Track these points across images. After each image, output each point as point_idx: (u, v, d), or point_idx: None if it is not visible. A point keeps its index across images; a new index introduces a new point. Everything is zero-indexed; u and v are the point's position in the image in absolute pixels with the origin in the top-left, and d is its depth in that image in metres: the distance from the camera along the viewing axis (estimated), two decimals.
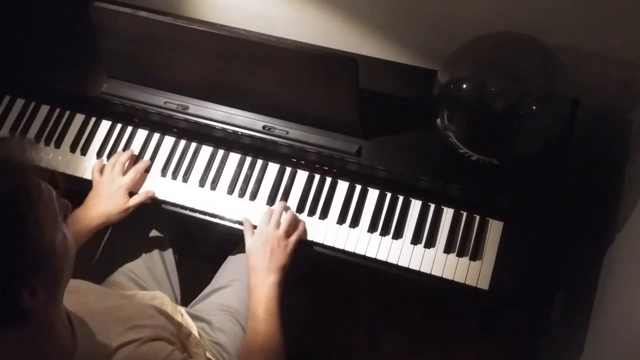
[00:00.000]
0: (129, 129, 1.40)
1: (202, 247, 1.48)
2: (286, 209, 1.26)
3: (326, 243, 1.26)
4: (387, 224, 1.26)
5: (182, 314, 1.21)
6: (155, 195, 1.30)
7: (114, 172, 1.28)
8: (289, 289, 1.19)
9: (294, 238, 1.21)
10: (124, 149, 1.37)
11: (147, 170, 1.34)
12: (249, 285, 1.16)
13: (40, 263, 0.71)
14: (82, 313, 0.88)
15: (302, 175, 1.32)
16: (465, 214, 1.26)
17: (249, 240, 1.21)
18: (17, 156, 0.70)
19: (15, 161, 0.70)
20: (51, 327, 0.78)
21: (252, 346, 1.09)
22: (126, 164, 1.31)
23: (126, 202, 1.26)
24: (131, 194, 1.29)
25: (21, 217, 0.68)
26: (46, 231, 0.71)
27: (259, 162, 1.34)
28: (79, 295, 0.93)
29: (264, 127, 1.29)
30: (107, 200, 1.24)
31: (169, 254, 1.38)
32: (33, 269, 0.70)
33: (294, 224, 1.24)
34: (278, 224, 1.21)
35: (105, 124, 1.41)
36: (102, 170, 1.31)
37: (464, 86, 1.14)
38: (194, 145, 1.37)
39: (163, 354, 0.88)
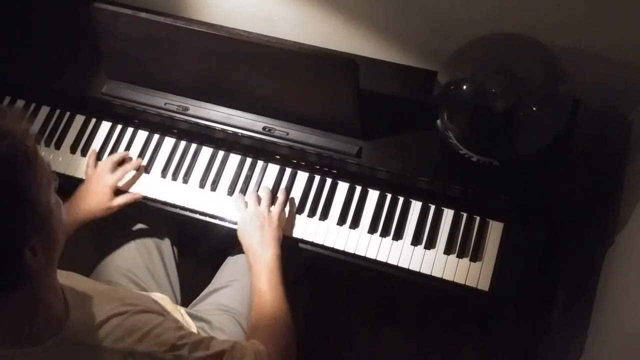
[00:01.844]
0: (129, 130, 1.40)
1: (202, 248, 1.48)
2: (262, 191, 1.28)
3: (326, 244, 1.26)
4: (387, 225, 1.26)
5: (182, 314, 1.21)
6: (142, 197, 1.31)
7: (103, 170, 1.30)
8: (289, 289, 1.19)
9: (276, 209, 1.23)
10: (125, 150, 1.37)
11: (138, 169, 1.34)
12: (248, 264, 1.17)
13: (39, 223, 0.74)
14: (77, 290, 0.90)
15: (302, 176, 1.32)
16: (465, 215, 1.26)
17: (238, 225, 1.23)
18: (13, 124, 0.74)
19: (11, 128, 0.73)
20: (44, 295, 0.80)
21: (257, 318, 1.09)
22: (116, 163, 1.32)
23: (110, 200, 1.27)
24: (120, 192, 1.30)
25: (21, 179, 0.72)
26: (42, 193, 0.75)
27: (259, 163, 1.34)
28: (72, 280, 0.95)
29: (264, 128, 1.29)
30: (91, 197, 1.26)
31: (169, 255, 1.38)
32: (33, 228, 0.73)
33: (272, 197, 1.26)
34: (256, 202, 1.23)
35: (105, 125, 1.41)
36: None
37: (464, 87, 1.14)
38: (194, 146, 1.37)
39: (156, 321, 0.89)
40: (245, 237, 1.20)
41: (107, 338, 0.83)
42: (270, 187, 1.31)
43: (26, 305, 0.78)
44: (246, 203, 1.25)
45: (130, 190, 1.33)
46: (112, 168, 1.31)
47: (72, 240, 1.24)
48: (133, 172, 1.34)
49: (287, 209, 1.28)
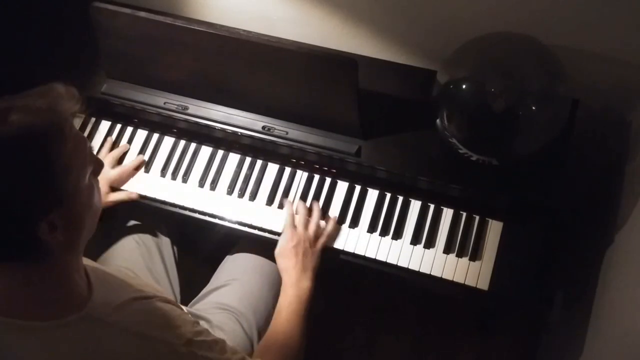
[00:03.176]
0: (129, 129, 1.40)
1: (202, 247, 1.48)
2: (311, 209, 1.26)
3: None
4: (386, 224, 1.26)
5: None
6: (139, 197, 1.31)
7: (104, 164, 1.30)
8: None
9: (323, 239, 1.22)
10: None
11: (137, 168, 1.34)
12: (282, 285, 1.17)
13: (62, 200, 0.75)
14: (99, 271, 0.92)
15: (301, 176, 1.32)
16: (464, 214, 1.26)
17: (280, 242, 1.21)
18: (61, 102, 0.77)
19: (55, 104, 0.76)
20: (68, 274, 0.82)
21: (271, 342, 1.09)
22: (117, 159, 1.33)
23: (106, 194, 1.28)
24: (115, 189, 1.31)
25: (49, 153, 0.74)
26: (72, 173, 0.76)
27: (259, 162, 1.34)
28: (92, 265, 0.96)
29: (263, 127, 1.29)
30: None
31: (168, 253, 1.38)
32: (54, 203, 0.75)
33: (320, 224, 1.24)
34: (306, 225, 1.22)
35: (104, 124, 1.41)
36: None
37: (464, 86, 1.14)
38: (193, 145, 1.37)
39: (176, 312, 0.91)
40: (286, 258, 1.18)
41: (126, 319, 0.85)
42: (270, 187, 1.31)
43: (49, 280, 0.80)
44: (293, 221, 1.22)
45: (127, 188, 1.33)
46: (113, 163, 1.32)
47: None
48: (132, 170, 1.34)
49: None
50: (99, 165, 0.84)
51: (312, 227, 1.22)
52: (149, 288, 0.98)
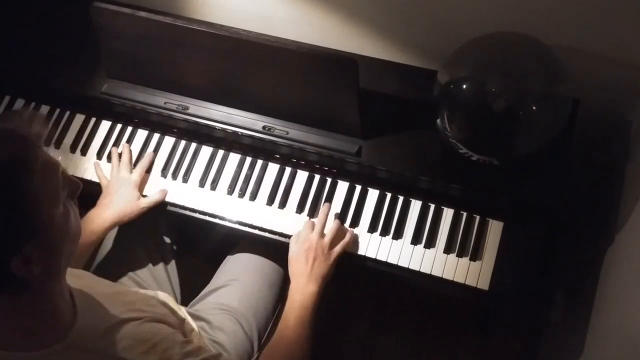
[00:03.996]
0: (129, 129, 1.40)
1: (202, 247, 1.48)
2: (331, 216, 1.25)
3: None
4: (387, 224, 1.26)
5: (184, 314, 1.21)
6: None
7: (122, 172, 1.30)
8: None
9: (338, 248, 1.19)
10: None
11: (150, 166, 1.35)
12: (290, 290, 1.15)
13: (35, 233, 0.72)
14: (86, 293, 0.89)
15: (302, 176, 1.32)
16: (465, 214, 1.26)
17: (293, 246, 1.19)
18: (24, 129, 0.72)
19: (20, 133, 0.71)
20: (50, 299, 0.79)
21: (275, 349, 1.09)
22: (129, 162, 1.33)
23: (138, 198, 1.27)
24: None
25: (15, 187, 0.69)
26: (44, 203, 0.72)
27: (259, 162, 1.34)
28: (83, 280, 0.95)
29: (263, 127, 1.29)
30: (119, 199, 1.25)
31: (169, 254, 1.38)
32: (26, 237, 0.71)
33: (340, 234, 1.22)
34: (323, 231, 1.20)
35: (105, 124, 1.41)
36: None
37: (464, 86, 1.14)
38: (194, 145, 1.37)
39: (165, 332, 0.89)
40: (296, 262, 1.17)
41: (113, 345, 0.83)
42: (271, 186, 1.31)
43: (31, 310, 0.77)
44: (312, 226, 1.21)
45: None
46: (128, 168, 1.31)
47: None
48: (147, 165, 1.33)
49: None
50: (75, 187, 0.80)
51: (328, 235, 1.20)
52: (142, 303, 0.96)
